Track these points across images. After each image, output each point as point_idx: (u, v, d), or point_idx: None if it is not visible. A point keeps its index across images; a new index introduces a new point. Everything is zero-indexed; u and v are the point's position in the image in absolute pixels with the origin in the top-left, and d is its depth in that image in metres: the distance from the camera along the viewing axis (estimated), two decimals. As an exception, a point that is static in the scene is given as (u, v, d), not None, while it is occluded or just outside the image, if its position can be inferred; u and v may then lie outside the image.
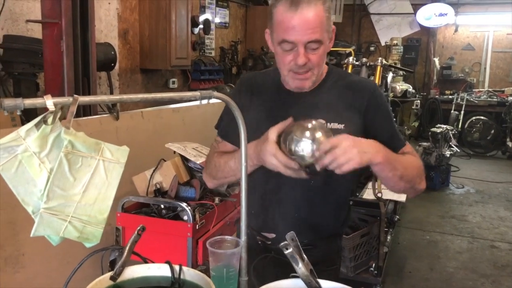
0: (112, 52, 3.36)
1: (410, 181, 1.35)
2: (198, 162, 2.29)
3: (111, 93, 3.48)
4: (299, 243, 1.17)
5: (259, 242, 1.51)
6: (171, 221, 2.12)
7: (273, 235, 1.47)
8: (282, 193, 1.43)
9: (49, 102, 0.90)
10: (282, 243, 1.13)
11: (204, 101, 1.09)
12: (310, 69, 1.32)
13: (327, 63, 1.44)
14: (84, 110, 2.51)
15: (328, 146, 1.16)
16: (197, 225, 2.07)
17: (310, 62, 1.30)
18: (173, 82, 4.50)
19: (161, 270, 1.21)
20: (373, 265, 2.95)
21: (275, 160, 1.23)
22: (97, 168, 0.98)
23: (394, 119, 1.51)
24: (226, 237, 1.25)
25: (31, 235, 0.91)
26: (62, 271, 2.17)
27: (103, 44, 3.26)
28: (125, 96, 1.01)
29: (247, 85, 1.51)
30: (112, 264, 1.21)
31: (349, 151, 1.15)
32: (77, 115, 2.49)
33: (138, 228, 1.21)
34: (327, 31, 1.30)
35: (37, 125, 0.91)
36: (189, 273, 1.18)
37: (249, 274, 1.25)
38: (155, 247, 2.14)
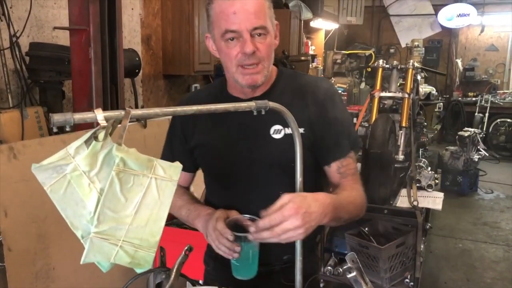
0: (137, 58, 3.30)
1: (351, 218, 1.26)
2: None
3: (136, 100, 3.42)
4: (358, 263, 1.08)
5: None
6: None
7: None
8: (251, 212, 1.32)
9: (100, 116, 0.82)
10: (344, 267, 1.04)
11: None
12: (260, 61, 1.21)
13: (275, 65, 1.34)
14: (112, 118, 2.44)
15: (267, 224, 1.05)
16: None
17: (258, 52, 1.19)
18: (196, 88, 4.44)
19: (210, 293, 1.13)
20: (409, 276, 2.84)
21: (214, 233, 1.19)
22: (149, 187, 0.90)
23: (351, 122, 1.41)
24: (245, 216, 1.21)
25: (81, 262, 0.83)
26: (92, 284, 2.11)
27: (128, 51, 3.20)
28: (179, 109, 0.92)
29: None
30: None
31: (294, 228, 1.03)
32: (106, 123, 2.44)
33: (185, 248, 1.13)
34: (270, 20, 1.21)
35: (87, 142, 0.83)
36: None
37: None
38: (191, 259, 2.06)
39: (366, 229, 2.76)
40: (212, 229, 1.20)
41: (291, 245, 1.31)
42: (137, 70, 3.31)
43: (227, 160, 1.32)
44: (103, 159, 0.85)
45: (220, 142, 1.32)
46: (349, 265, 1.05)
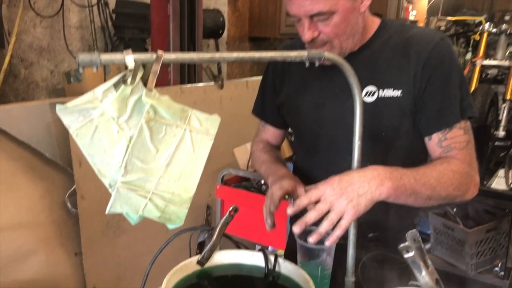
0: (221, 19, 3.25)
1: (445, 198, 1.03)
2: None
3: (218, 62, 3.39)
4: (420, 243, 0.94)
5: None
6: (271, 198, 1.97)
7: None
8: None
9: (129, 58, 0.76)
10: (401, 245, 0.91)
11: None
12: (326, 42, 1.05)
13: (380, 15, 1.14)
14: (189, 77, 2.44)
15: (305, 201, 0.92)
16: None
17: (323, 35, 1.04)
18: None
19: (254, 258, 1.06)
20: (499, 265, 2.57)
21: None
22: (183, 139, 0.83)
23: (466, 86, 1.13)
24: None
25: (106, 212, 0.80)
26: (161, 239, 2.16)
27: (212, 11, 3.16)
28: (217, 55, 0.84)
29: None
30: (201, 246, 1.08)
31: (337, 204, 0.89)
32: (182, 81, 2.44)
33: (230, 208, 1.06)
34: None
35: (116, 86, 0.78)
36: (285, 266, 1.01)
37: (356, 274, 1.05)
38: (251, 224, 2.02)
39: (454, 209, 2.53)
40: (269, 193, 1.13)
41: (378, 222, 1.20)
42: (221, 31, 3.27)
43: (313, 123, 1.20)
44: (134, 105, 0.79)
45: (307, 102, 1.20)
46: (407, 243, 0.91)
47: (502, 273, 2.53)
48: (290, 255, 1.05)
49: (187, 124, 0.83)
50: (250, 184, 2.11)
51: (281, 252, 2.56)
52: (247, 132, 2.22)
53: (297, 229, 0.92)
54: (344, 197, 0.89)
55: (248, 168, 2.21)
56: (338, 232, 0.90)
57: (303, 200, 0.93)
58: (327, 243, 0.92)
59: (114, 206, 0.80)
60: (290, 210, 0.95)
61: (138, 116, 0.80)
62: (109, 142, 0.79)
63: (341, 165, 1.12)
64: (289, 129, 1.40)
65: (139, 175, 0.81)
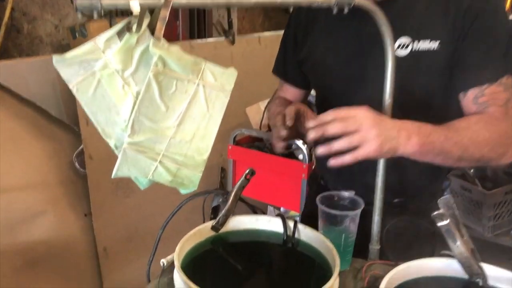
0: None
1: (479, 160, 0.93)
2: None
3: (229, 15, 3.25)
4: (454, 210, 0.86)
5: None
6: (284, 159, 1.90)
7: (352, 193, 1.07)
8: None
9: (135, 2, 0.66)
10: (435, 212, 0.83)
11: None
12: None
13: None
14: (199, 33, 2.32)
15: (330, 117, 0.82)
16: (313, 166, 1.83)
17: None
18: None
19: (271, 224, 1.00)
20: (517, 227, 2.51)
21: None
22: (196, 96, 0.74)
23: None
24: (343, 192, 0.98)
25: (113, 175, 0.73)
26: (172, 200, 2.12)
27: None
28: (233, 0, 0.74)
29: None
30: (215, 211, 1.02)
31: (366, 130, 0.80)
32: (191, 36, 2.33)
33: (246, 171, 0.99)
34: None
35: (120, 35, 0.69)
36: (306, 233, 0.94)
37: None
38: (264, 185, 1.96)
39: (472, 170, 2.45)
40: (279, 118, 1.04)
41: (404, 187, 1.12)
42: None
43: (338, 80, 1.10)
44: (140, 57, 0.71)
45: (332, 56, 1.09)
46: (441, 210, 0.84)
47: (520, 236, 2.49)
48: (307, 221, 0.98)
49: (200, 78, 0.74)
50: (263, 144, 2.03)
51: (293, 213, 2.52)
52: (260, 90, 2.13)
53: (321, 149, 0.84)
54: (375, 130, 0.81)
55: (261, 128, 2.13)
56: (348, 158, 0.82)
57: (329, 115, 0.83)
58: (331, 162, 0.84)
59: (121, 169, 0.73)
60: (321, 149, 0.84)
61: (145, 69, 0.71)
62: (113, 98, 0.71)
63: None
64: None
65: (147, 135, 0.73)
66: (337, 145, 0.81)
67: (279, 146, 1.05)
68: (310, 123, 0.85)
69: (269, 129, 2.14)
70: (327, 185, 1.21)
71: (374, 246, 0.96)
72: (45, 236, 1.77)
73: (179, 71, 0.72)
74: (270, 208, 2.32)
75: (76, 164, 1.83)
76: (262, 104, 2.13)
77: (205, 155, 0.78)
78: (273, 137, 1.06)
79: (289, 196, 1.94)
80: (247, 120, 2.12)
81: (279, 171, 1.88)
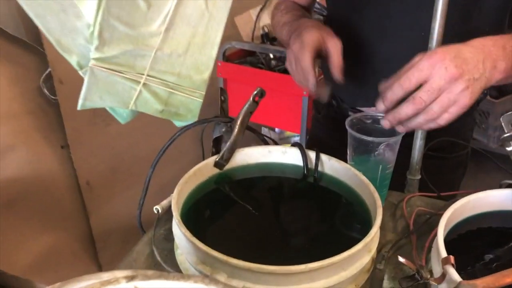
0: None
1: None
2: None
3: None
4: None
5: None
6: (281, 74, 1.69)
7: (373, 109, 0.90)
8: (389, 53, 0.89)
9: None
10: (505, 135, 0.65)
11: None
12: None
13: None
14: None
15: (400, 92, 0.63)
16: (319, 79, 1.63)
17: None
18: None
19: (286, 156, 0.81)
20: (523, 137, 2.41)
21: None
22: (188, -13, 0.51)
23: None
24: (373, 113, 0.78)
25: (78, 107, 0.51)
26: (159, 124, 1.92)
27: None
28: None
29: None
30: (217, 143, 0.82)
31: (450, 88, 0.60)
32: None
33: (255, 92, 0.78)
34: None
35: None
36: (331, 165, 0.76)
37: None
38: (259, 105, 1.77)
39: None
40: (297, 46, 0.81)
41: None
42: None
43: None
44: None
45: None
46: (509, 133, 0.66)
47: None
48: (315, 147, 0.79)
49: (194, -41, 0.50)
50: (257, 59, 1.81)
51: (289, 133, 2.34)
52: (250, -4, 1.86)
53: (386, 123, 0.67)
54: (460, 82, 0.60)
55: (253, 40, 1.88)
56: (425, 126, 0.64)
57: (397, 89, 0.63)
58: (401, 129, 0.66)
59: (89, 98, 0.51)
60: (381, 106, 0.66)
61: None
62: (67, -8, 0.47)
63: (404, 17, 0.82)
64: None
65: (123, 46, 0.50)
66: (416, 120, 0.64)
67: (311, 82, 0.81)
68: (380, 106, 0.66)
69: (263, 41, 1.90)
70: (341, 105, 1.02)
71: (414, 177, 0.79)
72: (18, 173, 1.57)
73: None
74: (264, 130, 2.14)
75: (45, 90, 1.59)
76: (254, 12, 1.87)
77: (206, 73, 0.56)
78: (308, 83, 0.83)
79: (288, 116, 1.76)
80: (237, 32, 1.87)
81: (276, 88, 1.68)
